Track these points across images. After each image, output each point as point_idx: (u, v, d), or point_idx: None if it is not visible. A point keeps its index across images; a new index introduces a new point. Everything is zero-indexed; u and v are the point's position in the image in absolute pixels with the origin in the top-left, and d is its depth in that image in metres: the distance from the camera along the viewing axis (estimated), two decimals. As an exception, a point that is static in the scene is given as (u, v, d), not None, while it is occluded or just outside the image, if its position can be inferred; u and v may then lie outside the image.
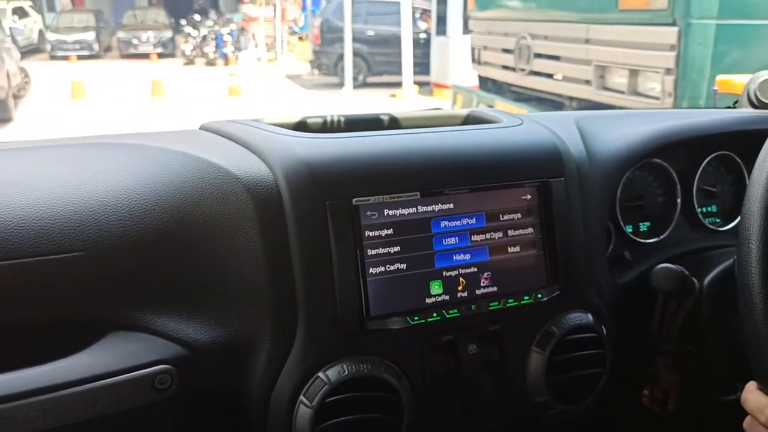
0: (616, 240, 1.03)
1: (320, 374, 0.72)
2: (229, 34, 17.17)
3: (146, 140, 0.83)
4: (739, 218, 1.17)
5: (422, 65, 10.92)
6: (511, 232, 0.82)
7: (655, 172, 1.08)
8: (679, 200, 1.08)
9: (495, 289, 0.81)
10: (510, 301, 0.81)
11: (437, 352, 0.79)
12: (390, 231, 0.76)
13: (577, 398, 0.86)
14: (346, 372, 0.72)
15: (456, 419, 0.82)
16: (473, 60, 5.82)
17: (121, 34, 19.87)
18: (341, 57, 11.80)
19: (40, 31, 20.13)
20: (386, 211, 0.75)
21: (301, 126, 0.90)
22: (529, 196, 0.83)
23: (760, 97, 1.27)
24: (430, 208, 0.78)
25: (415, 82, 10.78)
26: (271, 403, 0.73)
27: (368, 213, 0.74)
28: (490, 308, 0.80)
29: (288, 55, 17.26)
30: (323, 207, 0.72)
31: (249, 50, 17.38)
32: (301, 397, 0.72)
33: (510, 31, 4.91)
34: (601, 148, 0.97)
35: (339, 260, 0.72)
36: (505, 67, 5.06)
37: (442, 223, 0.78)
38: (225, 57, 16.78)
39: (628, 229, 1.06)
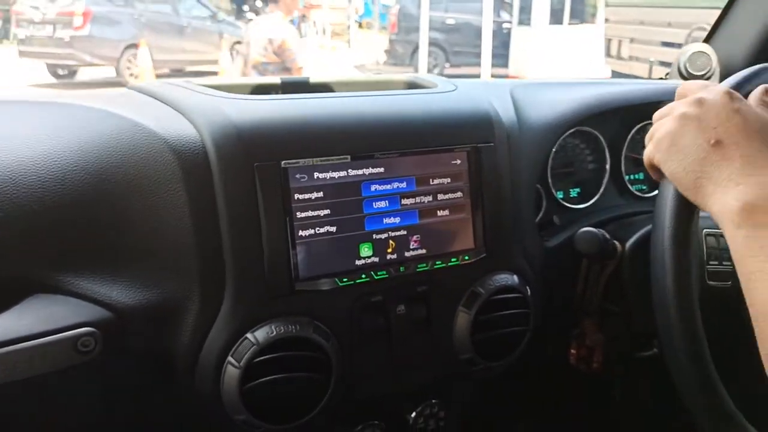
0: (546, 205, 1.05)
1: (248, 335, 0.71)
2: (291, 20, 16.03)
3: (72, 99, 0.80)
4: None
5: (501, 56, 9.77)
6: (440, 196, 0.82)
7: (585, 139, 1.09)
8: (608, 167, 1.10)
9: (424, 251, 0.81)
10: (438, 263, 0.81)
11: (366, 313, 0.79)
12: (320, 194, 0.74)
13: (500, 355, 0.88)
14: (275, 333, 0.72)
15: (384, 376, 0.83)
16: (609, 54, 5.13)
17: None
18: (417, 47, 10.74)
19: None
20: (316, 174, 0.74)
21: (235, 88, 0.87)
22: (459, 161, 0.83)
23: (689, 69, 1.29)
24: (360, 172, 0.77)
25: (493, 75, 9.85)
26: (199, 364, 0.72)
27: (297, 176, 0.73)
28: (418, 270, 0.80)
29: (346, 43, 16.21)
30: (251, 169, 0.71)
31: (310, 37, 16.42)
32: (229, 358, 0.71)
33: (677, 21, 4.20)
34: (533, 115, 0.97)
35: (267, 223, 0.71)
36: (664, 63, 4.36)
37: (373, 187, 0.78)
38: (286, 43, 15.74)
39: (559, 194, 1.07)
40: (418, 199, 0.80)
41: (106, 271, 0.70)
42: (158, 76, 7.51)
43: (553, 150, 1.03)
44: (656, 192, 1.18)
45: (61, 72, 9.85)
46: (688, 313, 0.70)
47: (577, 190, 1.10)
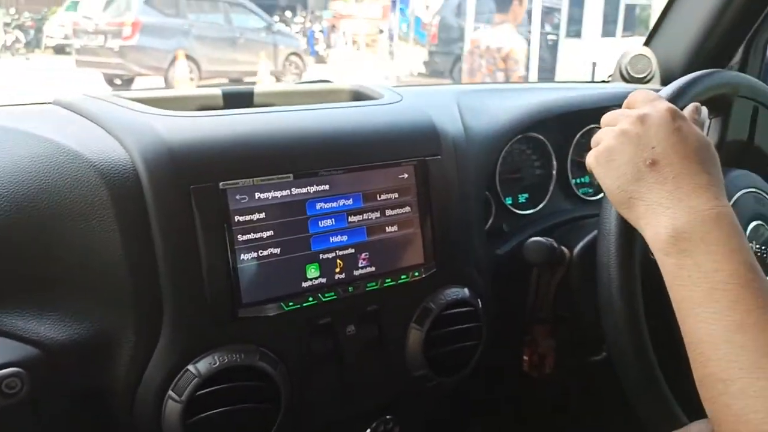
0: (495, 212, 1.03)
1: (190, 367, 0.67)
2: (320, 31, 15.65)
3: None
4: None
5: (545, 70, 9.55)
6: (388, 212, 0.79)
7: (532, 144, 1.09)
8: (554, 172, 1.10)
9: (373, 269, 0.78)
10: (388, 280, 0.79)
11: (315, 336, 0.76)
12: (262, 215, 0.71)
13: (454, 370, 0.86)
14: (218, 363, 0.68)
15: (336, 399, 0.80)
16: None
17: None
18: (459, 58, 10.28)
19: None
20: (257, 195, 0.70)
21: (165, 102, 0.82)
22: (405, 175, 0.80)
23: (630, 71, 1.30)
24: (304, 190, 0.73)
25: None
26: (138, 399, 0.68)
27: (237, 197, 0.69)
28: (368, 289, 0.77)
29: (376, 54, 15.30)
30: (187, 192, 0.67)
31: (339, 48, 15.75)
32: (170, 392, 0.67)
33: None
34: (480, 123, 0.95)
35: (206, 248, 0.67)
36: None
37: (318, 205, 0.74)
38: (316, 54, 15.06)
39: (508, 201, 1.06)
40: (365, 216, 0.77)
41: (32, 306, 0.64)
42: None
43: (501, 157, 1.01)
44: (601, 195, 1.19)
45: (117, 81, 9.71)
46: (635, 319, 0.70)
47: (525, 195, 1.10)
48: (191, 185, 0.66)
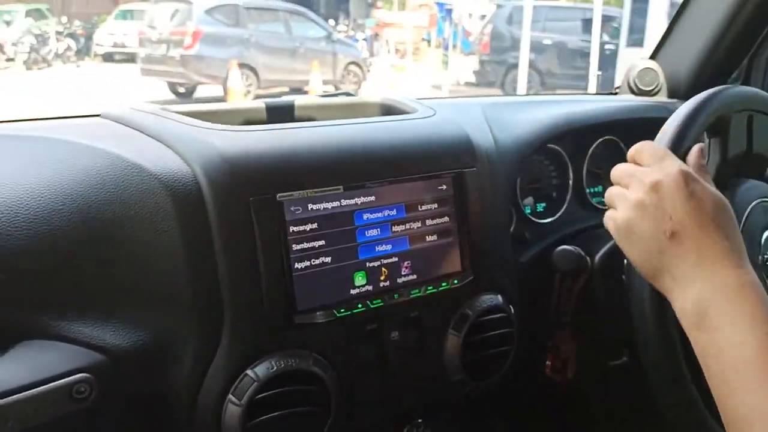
0: (516, 221, 1.07)
1: (248, 371, 0.70)
2: (363, 39, 15.49)
3: (47, 132, 0.75)
4: None
5: (605, 80, 9.08)
6: (428, 222, 0.82)
7: (550, 155, 1.12)
8: (570, 182, 1.14)
9: (415, 277, 0.81)
10: (429, 288, 0.82)
11: (362, 341, 0.78)
12: (314, 225, 0.74)
13: (488, 374, 0.89)
14: (275, 368, 0.70)
15: (380, 404, 0.82)
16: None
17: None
18: (511, 68, 10.18)
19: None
20: (310, 206, 0.73)
21: (211, 116, 0.84)
22: (444, 187, 0.83)
23: (638, 84, 1.35)
24: (353, 201, 0.76)
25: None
26: (198, 404, 0.70)
27: (292, 208, 0.72)
28: (412, 296, 0.80)
29: (420, 63, 14.82)
30: (247, 203, 0.69)
31: (382, 57, 15.22)
32: (230, 396, 0.69)
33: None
34: (506, 135, 0.99)
35: (264, 257, 0.70)
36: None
37: (365, 216, 0.77)
38: (361, 63, 14.87)
39: (527, 210, 1.10)
40: (407, 226, 0.80)
41: (98, 314, 0.66)
42: (258, 97, 7.18)
43: (522, 167, 1.05)
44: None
45: (180, 90, 9.83)
46: (665, 329, 0.72)
47: (543, 204, 1.13)
48: (251, 197, 0.69)
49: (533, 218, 1.09)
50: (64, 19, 15.38)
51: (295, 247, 0.72)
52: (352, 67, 10.88)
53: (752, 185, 0.88)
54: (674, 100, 1.32)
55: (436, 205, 0.83)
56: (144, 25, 10.28)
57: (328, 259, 0.74)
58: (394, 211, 0.79)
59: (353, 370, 0.78)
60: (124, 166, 0.69)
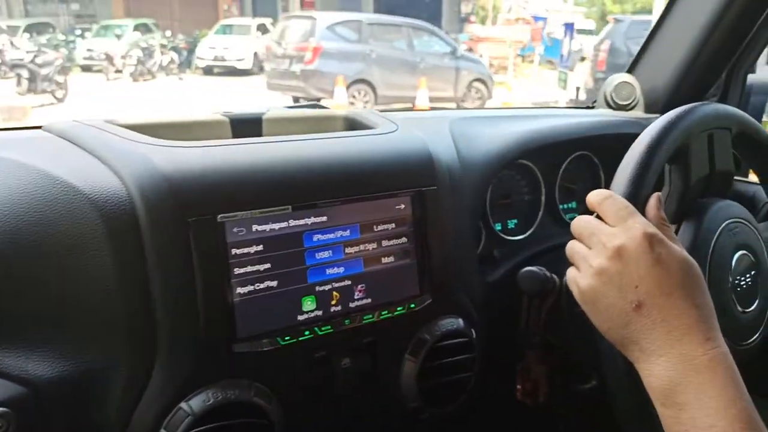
0: (485, 238, 1.02)
1: (182, 404, 0.64)
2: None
3: None
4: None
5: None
6: (385, 243, 0.77)
7: (521, 171, 1.08)
8: (543, 198, 1.09)
9: (369, 300, 0.76)
10: (384, 312, 0.77)
11: (309, 369, 0.73)
12: (259, 247, 0.69)
13: (447, 401, 0.84)
14: (211, 400, 0.65)
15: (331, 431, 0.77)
16: None
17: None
18: None
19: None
20: (255, 227, 0.68)
21: (160, 129, 0.79)
22: (402, 206, 0.79)
23: (615, 98, 1.31)
24: (302, 222, 0.71)
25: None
26: None
27: (235, 230, 0.67)
28: (365, 321, 0.75)
29: (520, 78, 14.40)
30: (185, 225, 0.64)
31: None
32: (162, 431, 0.64)
33: None
34: (473, 151, 0.94)
35: (202, 282, 0.65)
36: None
37: (315, 237, 0.72)
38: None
39: (497, 227, 1.05)
40: (362, 247, 0.76)
41: (21, 342, 0.61)
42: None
43: (492, 184, 1.01)
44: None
45: (303, 103, 9.66)
46: None
47: (515, 221, 1.09)
48: (189, 218, 0.64)
49: (504, 235, 1.05)
50: (168, 33, 16.16)
51: (237, 270, 0.67)
52: (477, 84, 10.56)
53: (720, 206, 0.84)
54: (652, 115, 1.28)
55: (393, 225, 0.78)
56: (271, 41, 10.36)
57: (273, 283, 0.69)
58: (348, 231, 0.75)
59: (300, 400, 0.73)
60: (53, 184, 0.64)
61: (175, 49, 15.18)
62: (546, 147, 1.05)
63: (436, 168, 0.82)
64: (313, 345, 0.72)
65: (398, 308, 0.78)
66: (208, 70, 15.32)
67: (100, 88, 12.12)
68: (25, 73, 9.27)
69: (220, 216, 0.66)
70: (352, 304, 0.75)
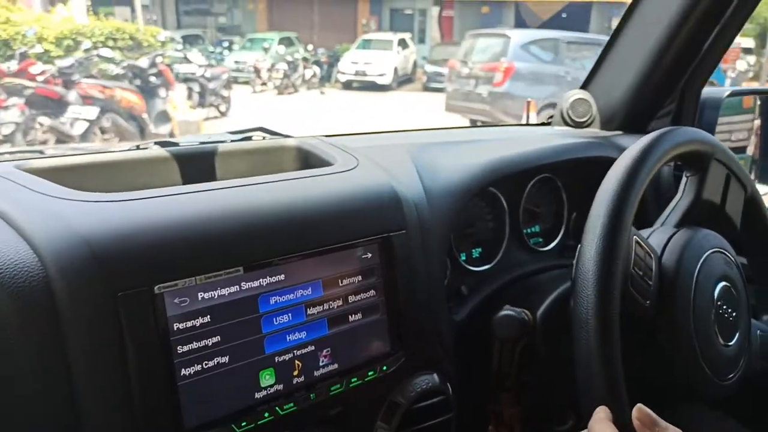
0: (451, 272, 0.93)
1: None
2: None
3: None
4: (558, 238, 1.15)
5: None
6: (351, 299, 0.67)
7: (486, 198, 0.99)
8: (507, 224, 1.01)
9: (336, 366, 0.65)
10: (353, 380, 0.66)
11: None
12: (206, 318, 0.57)
13: None
14: None
15: None
16: None
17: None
18: None
19: (415, 62, 17.39)
20: (201, 295, 0.56)
21: (87, 173, 0.66)
22: (369, 255, 0.68)
23: (572, 115, 1.24)
24: (256, 284, 0.60)
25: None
26: None
27: (176, 300, 0.55)
28: (332, 393, 0.64)
29: None
30: (113, 300, 0.52)
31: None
32: None
33: None
34: (438, 184, 0.85)
35: (138, 367, 0.52)
36: None
37: (272, 299, 0.61)
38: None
39: (462, 257, 0.96)
40: (326, 306, 0.65)
41: None
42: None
43: (457, 215, 0.92)
44: (552, 245, 1.12)
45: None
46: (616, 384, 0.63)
47: (479, 249, 1.00)
48: (119, 292, 0.52)
49: (469, 266, 0.96)
50: (310, 47, 15.85)
51: (181, 349, 0.55)
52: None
53: (710, 234, 0.82)
54: (609, 133, 1.23)
55: (359, 278, 0.67)
56: (455, 59, 9.42)
57: (225, 359, 0.58)
58: (309, 290, 0.64)
59: None
60: None
61: (317, 63, 14.98)
62: (512, 175, 0.97)
63: (404, 208, 0.72)
64: (275, 428, 0.61)
65: (369, 372, 0.67)
66: (347, 85, 14.97)
67: (249, 101, 11.64)
68: (196, 87, 8.83)
69: (157, 286, 0.53)
70: (316, 373, 0.64)
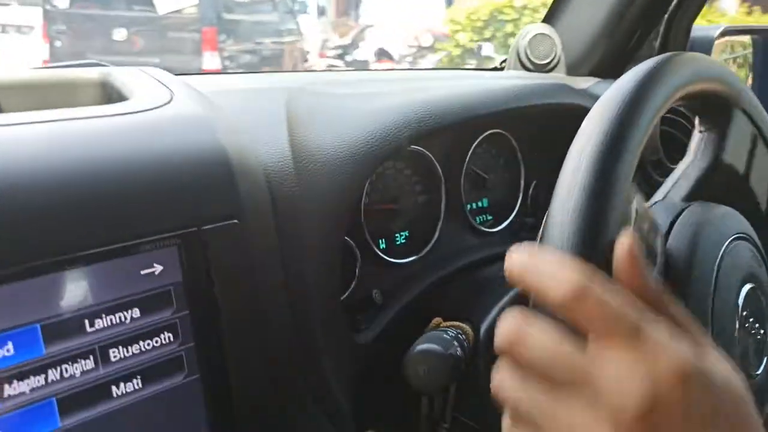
0: (361, 268, 0.61)
1: None
2: None
3: None
4: (513, 215, 0.84)
5: None
6: (115, 356, 0.34)
7: (411, 161, 0.67)
8: (443, 197, 0.69)
9: None
10: None
11: None
12: None
13: None
14: None
15: None
16: None
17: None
18: None
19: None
20: None
21: None
22: (159, 268, 0.35)
23: (530, 56, 0.92)
24: None
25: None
26: None
27: None
28: None
29: None
30: None
31: None
32: None
33: None
34: (326, 141, 0.53)
35: None
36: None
37: None
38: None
39: (381, 245, 0.65)
40: (54, 373, 0.32)
41: None
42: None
43: (367, 185, 0.60)
44: (504, 225, 0.82)
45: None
46: None
47: (405, 234, 0.69)
48: None
49: (389, 258, 0.64)
50: None
51: None
52: None
53: (725, 214, 0.52)
54: (579, 78, 0.92)
55: (137, 313, 0.34)
56: None
57: None
58: (23, 342, 0.30)
59: None
60: None
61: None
62: (446, 127, 0.64)
63: (238, 181, 0.39)
64: None
65: None
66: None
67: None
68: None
69: None
70: None
